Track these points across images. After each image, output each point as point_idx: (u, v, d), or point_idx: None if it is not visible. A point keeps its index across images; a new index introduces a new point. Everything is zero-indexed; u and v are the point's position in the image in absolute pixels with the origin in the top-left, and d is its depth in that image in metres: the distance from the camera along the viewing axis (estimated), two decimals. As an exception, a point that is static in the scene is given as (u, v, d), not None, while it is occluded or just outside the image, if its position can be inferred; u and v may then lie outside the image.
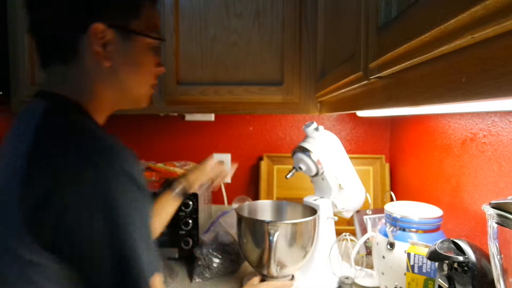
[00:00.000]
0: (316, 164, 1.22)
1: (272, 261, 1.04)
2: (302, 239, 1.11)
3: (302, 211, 1.24)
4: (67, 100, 0.73)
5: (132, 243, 0.60)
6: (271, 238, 1.04)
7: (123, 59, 0.76)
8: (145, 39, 0.77)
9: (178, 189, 1.11)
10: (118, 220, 0.60)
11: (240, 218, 1.15)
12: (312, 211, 1.20)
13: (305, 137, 1.28)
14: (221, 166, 1.18)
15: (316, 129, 1.25)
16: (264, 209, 1.30)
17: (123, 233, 0.60)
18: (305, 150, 1.22)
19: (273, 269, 1.06)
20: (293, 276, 1.18)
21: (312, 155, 1.21)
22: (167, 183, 1.14)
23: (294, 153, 1.26)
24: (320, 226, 1.18)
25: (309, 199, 1.28)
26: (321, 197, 1.27)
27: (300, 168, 1.24)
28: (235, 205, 1.61)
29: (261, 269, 1.12)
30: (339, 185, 1.24)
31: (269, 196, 1.66)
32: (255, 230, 1.10)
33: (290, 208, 1.29)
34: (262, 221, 1.10)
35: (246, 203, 1.30)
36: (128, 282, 0.61)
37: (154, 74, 0.84)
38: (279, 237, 1.05)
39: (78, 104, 0.73)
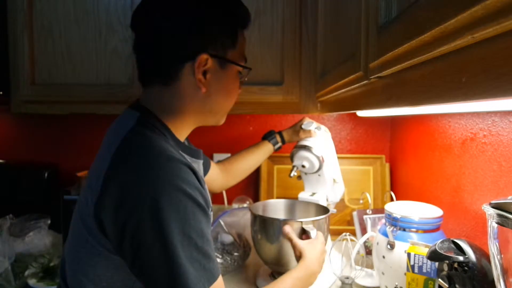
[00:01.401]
0: (320, 160, 1.24)
1: None
2: (325, 234, 1.13)
3: (314, 209, 1.26)
4: (155, 117, 0.79)
5: (177, 254, 0.63)
6: (311, 236, 1.04)
7: (218, 86, 0.82)
8: (237, 68, 0.84)
9: (278, 145, 1.31)
10: (165, 231, 0.63)
11: (261, 218, 1.14)
12: (322, 208, 1.22)
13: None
14: (308, 132, 1.29)
15: (318, 128, 1.28)
16: (276, 207, 1.30)
17: (169, 242, 0.63)
18: (308, 148, 1.24)
19: None
20: None
21: (315, 152, 1.24)
22: (268, 134, 1.31)
23: (295, 152, 1.27)
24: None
25: (305, 195, 1.30)
26: (314, 193, 1.31)
27: (303, 166, 1.26)
28: (235, 205, 1.61)
29: (281, 268, 1.12)
30: (334, 180, 1.27)
31: (269, 196, 1.66)
32: (274, 228, 1.09)
33: (302, 207, 1.29)
34: (280, 220, 1.10)
35: (259, 202, 1.31)
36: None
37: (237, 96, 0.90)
38: (316, 233, 1.06)
39: (163, 122, 0.79)
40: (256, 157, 1.29)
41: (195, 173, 0.71)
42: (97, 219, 0.67)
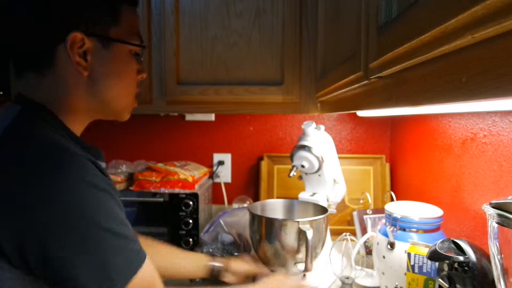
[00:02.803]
0: (319, 160, 1.25)
1: (310, 258, 1.05)
2: (319, 234, 1.13)
3: (313, 209, 1.26)
4: (42, 107, 0.70)
5: (99, 241, 0.60)
6: (307, 236, 1.03)
7: (103, 69, 0.73)
8: (126, 46, 0.76)
9: (216, 268, 1.05)
10: (80, 224, 0.59)
11: (260, 218, 1.14)
12: (320, 208, 1.22)
13: (302, 136, 1.31)
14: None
15: (317, 128, 1.28)
16: (275, 208, 1.30)
17: (87, 234, 0.60)
18: (308, 148, 1.24)
19: (310, 265, 1.06)
20: (304, 275, 1.18)
21: (315, 152, 1.24)
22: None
23: (295, 152, 1.27)
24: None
25: (305, 195, 1.30)
26: (315, 193, 1.31)
27: (303, 166, 1.26)
28: (235, 205, 1.61)
29: (280, 268, 1.13)
30: (334, 180, 1.28)
31: (269, 196, 1.66)
32: (285, 229, 1.09)
33: (301, 207, 1.29)
34: (280, 220, 1.11)
35: (258, 202, 1.31)
36: (111, 278, 0.60)
37: (136, 82, 0.81)
38: (312, 234, 1.06)
39: (51, 112, 0.71)
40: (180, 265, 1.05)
41: (98, 168, 0.65)
42: None
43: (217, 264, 1.06)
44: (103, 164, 0.79)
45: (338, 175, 1.33)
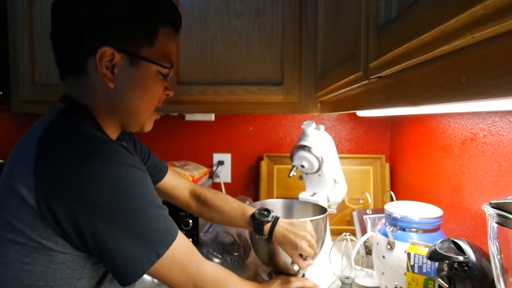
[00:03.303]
0: (319, 161, 1.24)
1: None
2: (318, 234, 1.12)
3: (312, 209, 1.26)
4: (82, 106, 0.78)
5: (144, 210, 0.69)
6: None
7: (129, 83, 0.79)
8: (154, 66, 0.80)
9: (260, 233, 1.04)
10: (125, 198, 0.67)
11: None
12: (320, 208, 1.22)
13: (302, 136, 1.30)
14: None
15: (317, 128, 1.28)
16: (275, 208, 1.30)
17: (132, 205, 0.68)
18: (308, 148, 1.24)
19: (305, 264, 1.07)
20: (304, 274, 1.19)
21: (315, 152, 1.24)
22: (261, 214, 1.04)
23: (295, 152, 1.27)
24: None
25: (305, 195, 1.30)
26: (315, 193, 1.31)
27: (303, 166, 1.26)
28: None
29: (278, 267, 1.13)
30: (334, 180, 1.28)
31: (269, 196, 1.66)
32: None
33: (301, 207, 1.30)
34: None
35: (257, 202, 1.31)
36: (154, 241, 0.69)
37: (159, 99, 0.85)
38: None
39: (89, 111, 0.79)
40: (230, 221, 1.11)
41: (130, 152, 0.73)
42: (42, 211, 0.65)
43: (264, 236, 1.04)
44: None
45: (339, 175, 1.33)
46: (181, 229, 1.38)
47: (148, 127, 0.88)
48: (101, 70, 0.75)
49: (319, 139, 1.28)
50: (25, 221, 0.66)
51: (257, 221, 1.03)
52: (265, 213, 1.04)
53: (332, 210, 1.25)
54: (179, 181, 1.16)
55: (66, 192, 0.64)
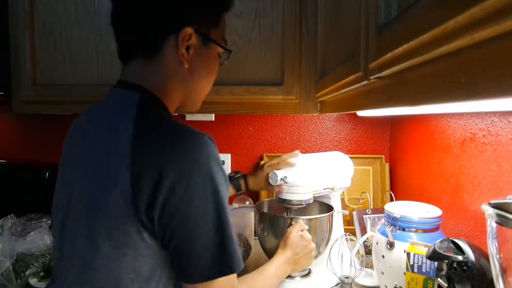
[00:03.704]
0: (333, 190, 1.25)
1: None
2: (322, 233, 1.15)
3: (318, 207, 1.27)
4: (152, 95, 0.77)
5: (228, 221, 0.68)
6: (305, 234, 1.06)
7: (200, 64, 0.81)
8: (218, 48, 0.84)
9: (240, 192, 1.23)
10: (219, 198, 0.67)
11: (269, 216, 1.18)
12: (328, 207, 1.23)
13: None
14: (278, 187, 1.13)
15: (284, 178, 1.10)
16: (276, 207, 1.31)
17: (221, 210, 0.67)
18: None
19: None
20: (309, 270, 1.20)
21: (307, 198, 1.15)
22: (232, 174, 1.24)
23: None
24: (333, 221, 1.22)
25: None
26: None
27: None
28: (235, 205, 1.61)
29: None
30: (340, 171, 1.29)
31: (269, 195, 1.66)
32: (279, 225, 1.13)
33: (308, 205, 1.29)
34: (281, 217, 1.14)
35: (265, 200, 1.33)
36: (226, 258, 0.68)
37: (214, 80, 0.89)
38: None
39: (161, 101, 0.78)
40: None
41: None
42: (138, 201, 0.64)
43: (241, 191, 1.23)
44: None
45: (340, 165, 1.30)
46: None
47: (199, 106, 0.90)
48: (181, 50, 0.76)
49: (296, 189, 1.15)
50: (116, 218, 0.67)
51: (233, 180, 1.21)
52: (233, 174, 1.24)
53: (344, 211, 1.25)
54: None
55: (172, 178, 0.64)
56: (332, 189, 1.23)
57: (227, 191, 0.70)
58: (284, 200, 1.12)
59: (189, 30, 0.75)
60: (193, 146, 0.67)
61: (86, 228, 0.70)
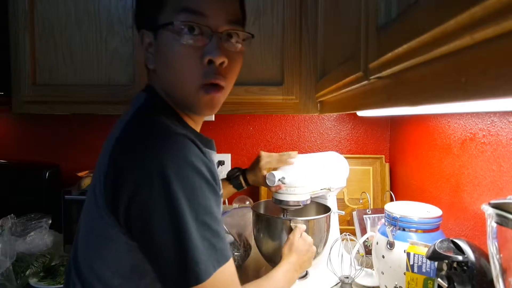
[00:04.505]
0: (329, 190, 1.24)
1: None
2: (320, 234, 1.14)
3: (316, 208, 1.26)
4: (159, 96, 0.75)
5: (187, 230, 0.60)
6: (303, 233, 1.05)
7: (158, 60, 0.72)
8: (169, 28, 0.67)
9: (241, 189, 1.21)
10: (174, 205, 0.60)
11: (265, 217, 1.16)
12: (323, 208, 1.22)
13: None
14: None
15: (282, 179, 1.11)
16: (275, 206, 1.30)
17: (179, 218, 0.60)
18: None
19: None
20: (307, 272, 1.19)
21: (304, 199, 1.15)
22: (231, 173, 1.23)
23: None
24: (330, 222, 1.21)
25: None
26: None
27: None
28: (235, 205, 1.61)
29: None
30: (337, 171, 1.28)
31: (269, 195, 1.66)
32: (276, 226, 1.12)
33: (305, 206, 1.29)
34: (278, 218, 1.13)
35: (262, 201, 1.32)
36: (187, 270, 0.60)
37: (198, 69, 0.69)
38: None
39: (168, 104, 0.75)
40: None
41: (202, 151, 0.66)
42: (107, 198, 0.65)
43: (242, 188, 1.22)
44: (213, 153, 0.82)
45: (336, 165, 1.29)
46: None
47: (200, 107, 0.73)
48: (144, 54, 0.74)
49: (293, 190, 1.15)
50: (99, 210, 0.67)
51: (232, 180, 1.20)
52: (232, 173, 1.22)
53: (340, 211, 1.25)
54: None
55: (132, 179, 0.62)
56: (329, 189, 1.23)
57: (202, 197, 0.63)
58: (281, 201, 1.11)
59: (143, 31, 0.73)
60: (160, 152, 0.61)
61: (83, 219, 0.74)
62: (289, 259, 0.97)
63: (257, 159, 1.20)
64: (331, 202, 1.26)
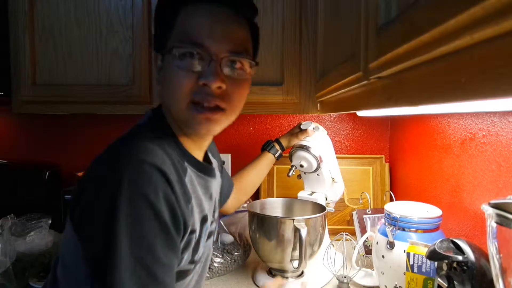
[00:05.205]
0: (318, 160, 1.25)
1: (303, 256, 1.06)
2: (319, 232, 1.15)
3: (311, 207, 1.27)
4: (161, 115, 0.77)
5: (117, 258, 0.56)
6: (301, 234, 1.05)
7: (162, 80, 0.74)
8: (172, 52, 0.69)
9: (278, 153, 1.28)
10: (113, 232, 0.57)
11: (259, 216, 1.17)
12: (319, 207, 1.23)
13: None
14: (306, 133, 1.28)
15: (316, 128, 1.28)
16: (274, 206, 1.32)
17: (113, 246, 0.56)
18: (306, 148, 1.25)
19: (304, 264, 1.08)
20: (302, 272, 1.20)
21: (313, 152, 1.24)
22: (266, 145, 1.29)
23: (294, 151, 1.28)
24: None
25: (303, 194, 1.31)
26: (313, 192, 1.32)
27: (301, 166, 1.26)
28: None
29: (277, 264, 1.15)
30: (333, 179, 1.28)
31: (269, 195, 1.66)
32: (281, 227, 1.11)
33: (299, 205, 1.31)
34: (277, 218, 1.13)
35: (257, 201, 1.32)
36: None
37: (187, 89, 0.69)
38: (306, 232, 1.07)
39: (164, 121, 0.76)
40: (260, 170, 1.27)
41: (172, 187, 0.63)
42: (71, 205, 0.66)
43: (278, 154, 1.29)
44: (210, 180, 0.81)
45: (337, 174, 1.33)
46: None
47: (193, 126, 0.72)
48: (155, 74, 0.77)
49: (317, 139, 1.28)
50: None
51: (270, 149, 1.28)
52: (270, 143, 1.29)
53: (330, 208, 1.26)
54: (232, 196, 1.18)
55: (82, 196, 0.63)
56: (327, 204, 1.29)
57: (147, 233, 0.59)
58: (303, 146, 1.25)
59: (155, 53, 0.76)
60: (118, 178, 0.58)
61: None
62: None
63: (298, 126, 1.31)
64: (322, 201, 1.28)
